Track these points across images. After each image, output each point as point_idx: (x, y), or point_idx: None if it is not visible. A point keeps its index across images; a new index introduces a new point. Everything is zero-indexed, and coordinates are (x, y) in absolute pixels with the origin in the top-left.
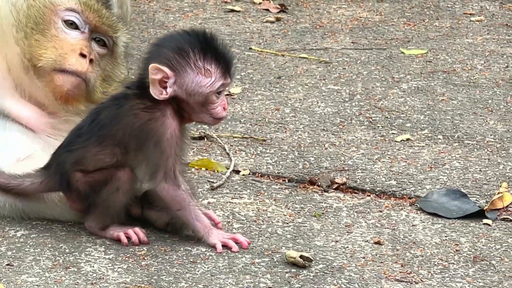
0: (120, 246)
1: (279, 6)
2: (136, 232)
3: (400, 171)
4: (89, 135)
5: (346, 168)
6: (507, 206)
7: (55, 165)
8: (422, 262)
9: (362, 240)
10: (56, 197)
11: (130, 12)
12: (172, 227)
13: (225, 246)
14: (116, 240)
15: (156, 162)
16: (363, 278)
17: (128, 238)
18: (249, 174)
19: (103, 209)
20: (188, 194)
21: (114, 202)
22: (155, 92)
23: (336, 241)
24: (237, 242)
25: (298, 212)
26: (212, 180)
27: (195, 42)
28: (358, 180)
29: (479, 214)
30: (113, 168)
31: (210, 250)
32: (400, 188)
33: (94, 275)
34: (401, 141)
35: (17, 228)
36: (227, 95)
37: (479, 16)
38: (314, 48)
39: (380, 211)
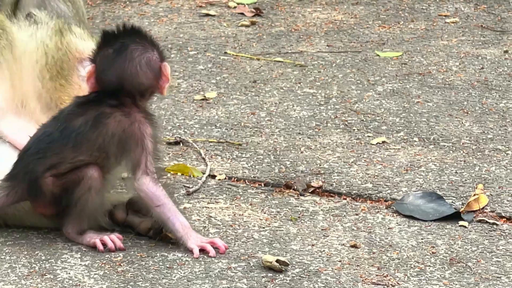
0: (96, 252)
1: (254, 10)
2: (112, 239)
3: (376, 174)
4: (64, 142)
5: (322, 172)
6: (483, 208)
7: (22, 174)
8: (399, 265)
9: (339, 244)
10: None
11: (85, 15)
12: (154, 231)
13: (202, 250)
14: (92, 246)
15: (138, 158)
16: (339, 282)
17: (104, 244)
18: (225, 178)
19: (78, 211)
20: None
21: (88, 202)
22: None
23: (313, 245)
24: (214, 246)
25: (274, 216)
26: (188, 185)
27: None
28: (334, 183)
29: (455, 216)
30: (83, 167)
31: (186, 255)
32: (376, 191)
33: (70, 282)
34: (376, 144)
35: None
36: (202, 99)
37: (454, 17)
38: (289, 51)
39: (356, 214)
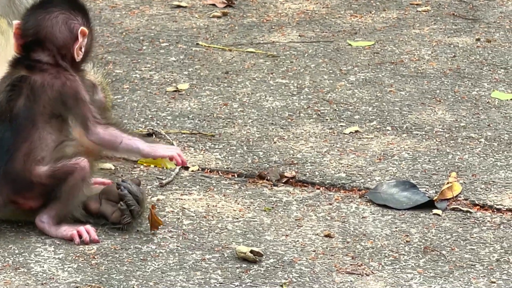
0: (70, 245)
1: (225, 1)
2: (87, 230)
3: (349, 163)
4: (20, 127)
5: (295, 162)
6: (456, 196)
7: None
8: (373, 254)
9: (313, 234)
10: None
11: None
12: (125, 220)
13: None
14: (68, 239)
15: (82, 113)
16: (314, 272)
17: (80, 236)
18: (198, 170)
19: (64, 202)
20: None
21: (77, 192)
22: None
23: (287, 235)
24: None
25: (248, 207)
26: (161, 177)
27: None
28: (307, 173)
29: (429, 205)
30: (75, 158)
31: (160, 247)
32: (350, 181)
33: (44, 275)
34: (349, 133)
35: None
36: (174, 91)
37: (425, 6)
38: (261, 42)
39: (330, 204)
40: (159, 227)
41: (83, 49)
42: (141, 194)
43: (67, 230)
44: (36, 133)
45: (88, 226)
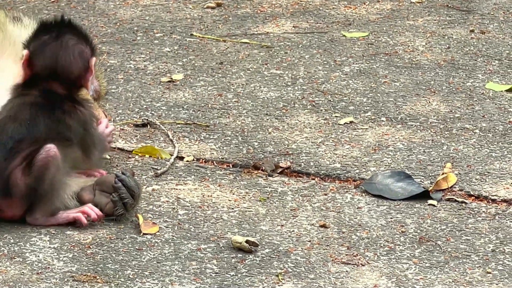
0: (65, 235)
1: None
2: (91, 208)
3: (344, 154)
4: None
5: (290, 152)
6: (451, 187)
7: None
8: (368, 244)
9: (308, 224)
10: None
11: None
12: (118, 211)
13: None
14: (71, 221)
15: (90, 140)
16: (309, 262)
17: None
18: (193, 160)
19: (50, 194)
20: None
21: (59, 181)
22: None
23: (282, 225)
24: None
25: (243, 197)
26: (156, 167)
27: None
28: (302, 163)
29: (424, 195)
30: (42, 148)
31: (155, 237)
32: (345, 171)
33: (40, 264)
34: (344, 124)
35: None
36: (169, 81)
37: None
38: (256, 33)
39: (325, 194)
40: (153, 221)
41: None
42: (138, 188)
43: (68, 214)
44: (37, 146)
45: (90, 205)
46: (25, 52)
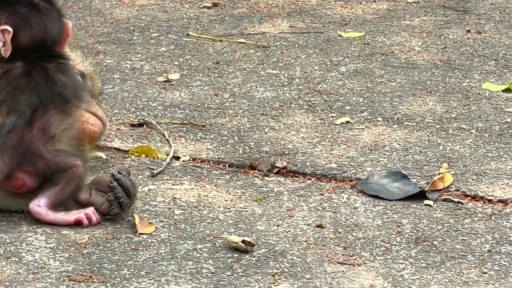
0: (61, 235)
1: None
2: (94, 212)
3: (340, 154)
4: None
5: (286, 152)
6: (448, 187)
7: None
8: (365, 244)
9: (304, 224)
10: None
11: None
12: (113, 211)
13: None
14: (70, 223)
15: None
16: (305, 262)
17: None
18: (189, 160)
19: (62, 190)
20: None
21: (73, 184)
22: None
23: (278, 225)
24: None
25: (239, 197)
26: (152, 167)
27: None
28: (298, 163)
29: (420, 195)
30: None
31: (152, 236)
32: (341, 171)
33: (36, 264)
34: (340, 124)
35: None
36: (165, 81)
37: None
38: (252, 33)
39: (321, 194)
40: (150, 221)
41: None
42: (134, 188)
43: (69, 215)
44: (49, 113)
45: (92, 208)
46: (6, 28)
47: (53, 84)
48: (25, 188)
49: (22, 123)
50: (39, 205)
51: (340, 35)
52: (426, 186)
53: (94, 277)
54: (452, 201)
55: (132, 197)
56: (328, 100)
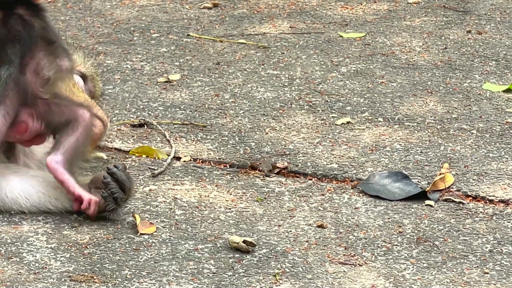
0: (62, 235)
1: None
2: (95, 204)
3: (341, 154)
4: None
5: (287, 153)
6: (449, 187)
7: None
8: (366, 245)
9: (305, 224)
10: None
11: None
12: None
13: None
14: (72, 196)
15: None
16: (307, 262)
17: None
18: (190, 160)
19: (75, 147)
20: None
21: (85, 141)
22: None
23: (279, 226)
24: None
25: (240, 197)
26: (153, 167)
27: None
28: (299, 164)
29: (422, 196)
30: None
31: (153, 237)
32: (342, 171)
33: (37, 264)
34: (341, 124)
35: None
36: (166, 82)
37: None
38: (252, 33)
39: (322, 195)
40: (151, 221)
41: None
42: (129, 182)
43: (78, 187)
44: (36, 56)
45: (97, 200)
46: None
47: (32, 29)
48: (28, 133)
49: (13, 71)
50: (57, 162)
51: (341, 36)
52: (427, 187)
53: (95, 277)
54: (453, 201)
55: (127, 191)
56: (329, 100)
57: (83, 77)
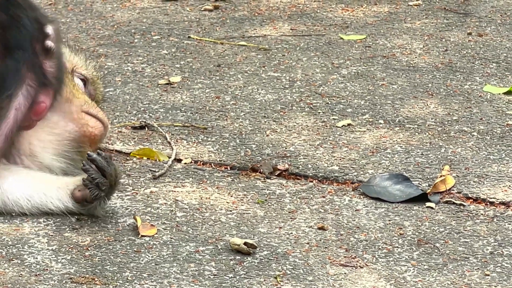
0: (63, 237)
1: None
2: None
3: (342, 156)
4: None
5: (288, 155)
6: (449, 189)
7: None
8: (367, 247)
9: (306, 226)
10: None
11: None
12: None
13: None
14: None
15: None
16: (307, 264)
17: None
18: (191, 162)
19: None
20: None
21: None
22: None
23: (280, 228)
24: None
25: (241, 199)
26: (154, 169)
27: None
28: (300, 166)
29: (422, 198)
30: None
31: (154, 239)
32: (343, 173)
33: (38, 266)
34: (342, 126)
35: None
36: (166, 84)
37: (417, 0)
38: (253, 35)
39: (323, 197)
40: (152, 223)
41: None
42: (110, 168)
43: None
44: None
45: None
46: None
47: (30, 9)
48: (45, 113)
49: (27, 54)
50: None
51: (342, 38)
52: (428, 189)
53: (96, 279)
54: (454, 203)
55: (108, 176)
56: (329, 102)
57: (84, 79)
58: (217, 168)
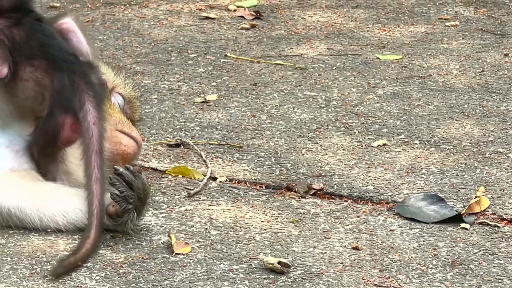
0: (98, 254)
1: (254, 13)
2: None
3: (377, 176)
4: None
5: (323, 174)
6: (484, 210)
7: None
8: (400, 267)
9: (340, 246)
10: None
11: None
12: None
13: None
14: None
15: None
16: (341, 284)
17: None
18: (226, 180)
19: None
20: None
21: None
22: None
23: (314, 247)
24: None
25: (275, 218)
26: (189, 187)
27: None
28: (335, 185)
29: (457, 219)
30: None
31: (188, 257)
32: (377, 193)
33: (72, 283)
34: (377, 146)
35: None
36: (202, 102)
37: (454, 21)
38: (290, 54)
39: (358, 217)
40: (186, 241)
41: None
42: (138, 181)
43: None
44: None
45: None
46: None
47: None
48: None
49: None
50: None
51: (378, 58)
52: (463, 210)
53: None
54: (488, 224)
55: (135, 189)
56: (365, 122)
57: (122, 98)
58: (252, 187)
